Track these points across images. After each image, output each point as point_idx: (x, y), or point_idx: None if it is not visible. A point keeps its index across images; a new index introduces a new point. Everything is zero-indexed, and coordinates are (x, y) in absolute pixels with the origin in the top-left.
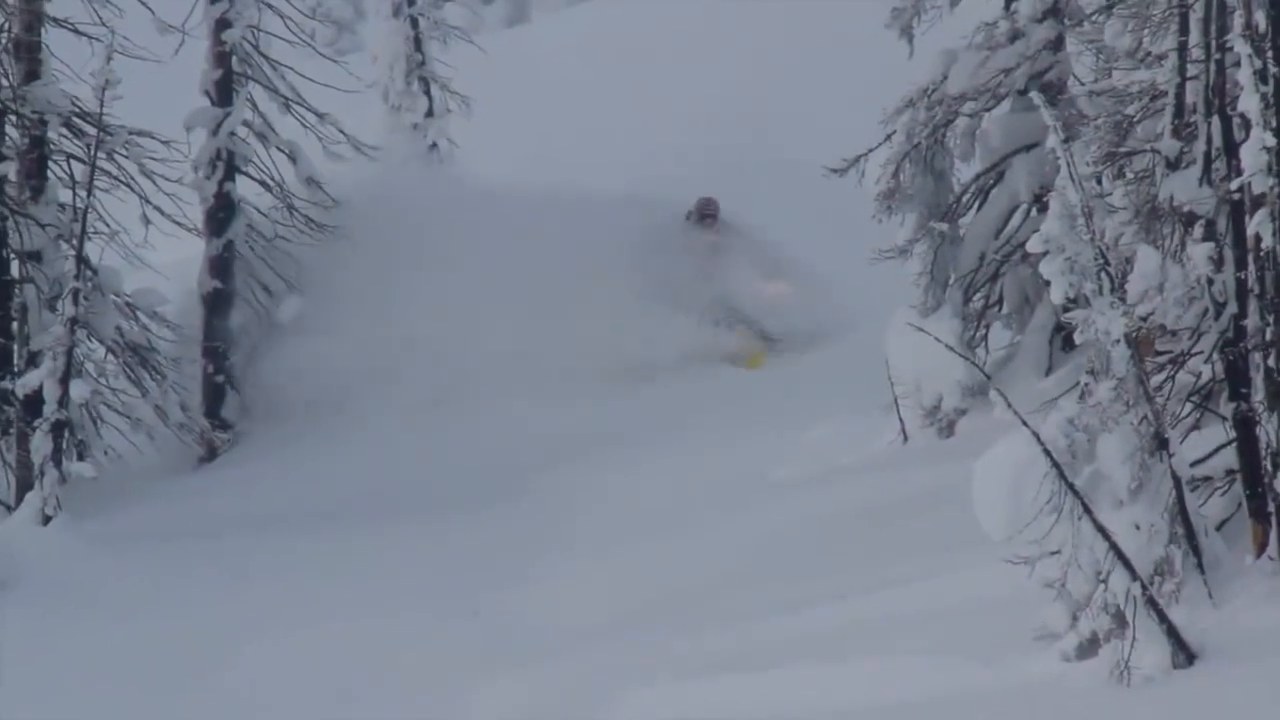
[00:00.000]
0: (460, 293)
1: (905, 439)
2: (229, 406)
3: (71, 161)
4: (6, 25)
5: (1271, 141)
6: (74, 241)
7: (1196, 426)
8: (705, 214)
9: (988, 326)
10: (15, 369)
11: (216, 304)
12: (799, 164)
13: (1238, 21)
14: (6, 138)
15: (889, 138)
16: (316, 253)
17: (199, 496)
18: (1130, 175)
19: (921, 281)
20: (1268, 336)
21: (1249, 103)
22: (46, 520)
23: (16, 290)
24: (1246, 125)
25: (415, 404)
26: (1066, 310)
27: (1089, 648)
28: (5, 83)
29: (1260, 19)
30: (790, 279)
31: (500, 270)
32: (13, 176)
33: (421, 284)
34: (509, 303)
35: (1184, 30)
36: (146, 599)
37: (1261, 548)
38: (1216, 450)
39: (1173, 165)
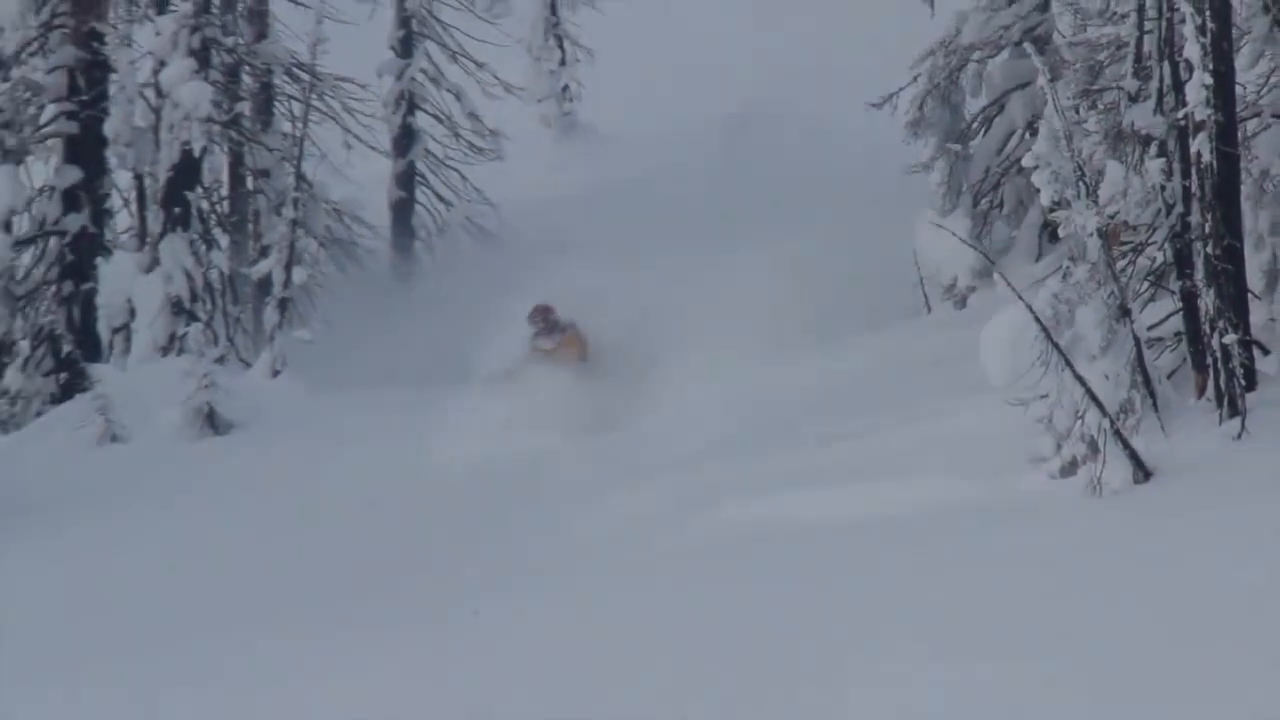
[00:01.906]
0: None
1: (929, 309)
2: None
3: (291, 101)
4: None
5: (1209, 81)
6: (294, 161)
7: (1152, 299)
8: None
9: (991, 224)
10: (250, 259)
11: (401, 209)
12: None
13: None
14: (242, 83)
15: (915, 79)
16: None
17: (393, 352)
18: (1101, 107)
19: (940, 190)
20: (1206, 230)
21: (1192, 51)
22: (275, 374)
23: (251, 199)
24: (1190, 68)
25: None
26: (1052, 211)
27: (1070, 469)
28: (240, 41)
29: None
30: None
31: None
32: (247, 113)
33: None
34: None
35: None
36: (352, 436)
37: (1201, 392)
38: (1167, 317)
39: (1133, 99)
